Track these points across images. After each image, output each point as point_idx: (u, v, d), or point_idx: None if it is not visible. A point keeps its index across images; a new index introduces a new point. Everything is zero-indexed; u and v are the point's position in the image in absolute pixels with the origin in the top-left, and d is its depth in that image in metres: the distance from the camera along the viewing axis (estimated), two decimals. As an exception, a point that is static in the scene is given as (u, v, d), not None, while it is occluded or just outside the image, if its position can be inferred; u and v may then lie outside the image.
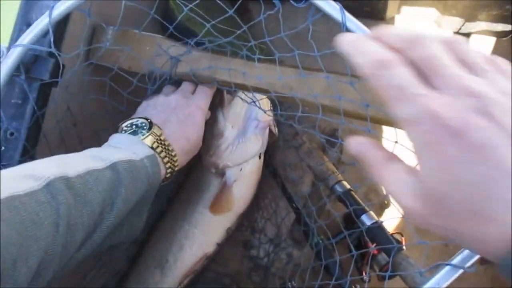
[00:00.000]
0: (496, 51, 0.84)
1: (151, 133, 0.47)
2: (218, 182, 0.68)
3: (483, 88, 0.22)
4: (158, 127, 0.49)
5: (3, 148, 0.47)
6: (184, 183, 0.73)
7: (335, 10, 0.38)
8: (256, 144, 0.66)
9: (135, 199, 0.42)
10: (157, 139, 0.47)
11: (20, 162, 0.48)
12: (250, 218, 0.76)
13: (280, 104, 0.60)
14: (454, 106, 0.21)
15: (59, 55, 0.46)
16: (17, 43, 0.44)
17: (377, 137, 0.80)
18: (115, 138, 0.48)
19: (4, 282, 0.29)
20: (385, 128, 0.68)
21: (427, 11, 0.79)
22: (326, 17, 0.39)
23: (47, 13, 0.43)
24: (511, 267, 0.21)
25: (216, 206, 0.68)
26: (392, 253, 0.47)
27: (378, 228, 0.55)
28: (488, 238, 0.21)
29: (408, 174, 0.25)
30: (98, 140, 0.60)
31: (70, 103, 0.54)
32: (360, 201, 0.61)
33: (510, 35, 0.79)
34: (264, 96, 0.60)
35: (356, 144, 0.28)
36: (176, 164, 0.49)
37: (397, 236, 0.64)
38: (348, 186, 0.63)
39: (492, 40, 0.84)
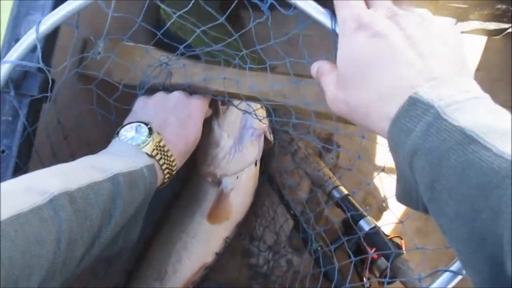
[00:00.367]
0: (489, 49, 0.84)
1: (151, 140, 0.47)
2: (215, 191, 0.68)
3: (396, 8, 0.33)
4: (158, 132, 0.48)
5: (-6, 166, 0.47)
6: (181, 193, 0.72)
7: (324, 16, 0.37)
8: (252, 151, 0.66)
9: (132, 210, 0.42)
10: (156, 146, 0.47)
11: (12, 179, 0.47)
12: (248, 226, 0.76)
13: (274, 111, 0.59)
14: (372, 13, 0.32)
15: (48, 70, 0.46)
16: (5, 59, 0.43)
17: (371, 141, 0.80)
18: (115, 145, 0.47)
19: None
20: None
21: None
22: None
23: (34, 28, 0.42)
24: (393, 139, 0.29)
25: (213, 215, 0.68)
26: (390, 259, 0.47)
27: (376, 233, 0.54)
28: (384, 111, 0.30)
29: (334, 72, 0.35)
30: (89, 151, 0.59)
31: (60, 116, 0.53)
32: (358, 206, 0.60)
33: (502, 34, 0.79)
34: (259, 105, 0.60)
35: (314, 67, 0.38)
36: (174, 168, 0.49)
37: (397, 240, 0.63)
38: (345, 192, 0.63)
39: (485, 39, 0.84)
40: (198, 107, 0.54)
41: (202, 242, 0.68)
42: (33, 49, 0.45)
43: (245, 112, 0.57)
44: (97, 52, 0.56)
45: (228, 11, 0.47)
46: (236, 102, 0.60)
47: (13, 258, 0.29)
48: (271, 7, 0.39)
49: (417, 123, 0.27)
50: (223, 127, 0.64)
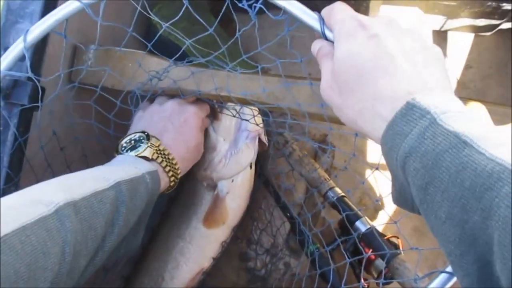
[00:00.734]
0: (479, 46, 0.84)
1: (150, 145, 0.48)
2: (210, 196, 0.68)
3: (391, 19, 0.34)
4: (156, 138, 0.49)
5: (-14, 177, 0.46)
6: (176, 198, 0.72)
7: (313, 20, 0.37)
8: (248, 154, 0.66)
9: (135, 218, 0.42)
10: (156, 150, 0.48)
11: (4, 190, 0.47)
12: (245, 230, 0.75)
13: (270, 112, 0.59)
14: (370, 18, 0.34)
15: (37, 80, 0.45)
16: (-7, 69, 0.43)
17: (365, 141, 0.80)
18: (116, 158, 0.48)
19: None
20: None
21: (409, 11, 0.79)
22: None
23: (21, 38, 0.42)
24: (387, 144, 0.30)
25: (209, 220, 0.67)
26: (385, 260, 0.46)
27: (372, 233, 0.54)
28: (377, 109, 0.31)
29: (332, 60, 0.35)
30: (86, 163, 0.59)
31: (56, 127, 0.53)
32: (354, 206, 0.60)
33: (493, 31, 0.79)
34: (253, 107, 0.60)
35: (315, 45, 0.38)
36: (178, 172, 0.50)
37: (394, 240, 0.63)
38: (341, 192, 0.63)
39: (476, 36, 0.84)
40: (193, 113, 0.54)
41: (199, 247, 0.68)
42: (22, 58, 0.44)
43: (237, 116, 0.56)
44: (87, 59, 0.56)
45: (219, 16, 0.46)
46: (229, 106, 0.60)
47: (19, 271, 0.29)
48: (261, 9, 0.39)
49: (414, 127, 0.28)
50: (218, 131, 0.64)
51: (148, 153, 0.47)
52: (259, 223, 0.75)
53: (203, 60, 0.50)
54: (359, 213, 0.57)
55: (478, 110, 0.45)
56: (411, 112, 0.28)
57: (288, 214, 0.68)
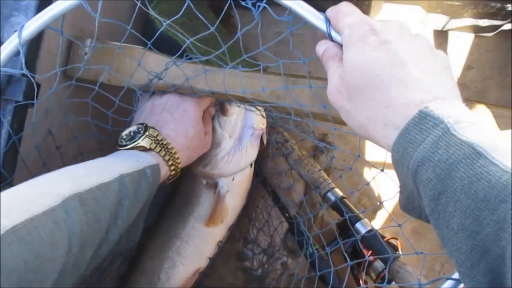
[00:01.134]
0: (480, 47, 0.84)
1: (148, 135, 0.48)
2: (209, 195, 0.67)
3: (402, 24, 0.34)
4: (154, 128, 0.50)
5: (-22, 175, 0.45)
6: (173, 197, 0.71)
7: (319, 21, 0.36)
8: (251, 152, 0.65)
9: (136, 211, 0.43)
10: (154, 139, 0.48)
11: (-3, 189, 0.45)
12: (242, 229, 0.75)
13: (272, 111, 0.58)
14: (381, 23, 0.33)
15: (32, 76, 0.44)
16: (-14, 65, 0.42)
17: (363, 141, 0.80)
18: (117, 152, 0.48)
19: None
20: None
21: (411, 10, 0.78)
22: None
23: (16, 34, 0.40)
24: (399, 152, 0.29)
25: (211, 219, 0.67)
26: (389, 263, 0.46)
27: (372, 236, 0.54)
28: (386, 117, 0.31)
29: (341, 63, 0.35)
30: (83, 161, 0.58)
31: (51, 126, 0.52)
32: (354, 208, 0.60)
33: (495, 31, 0.78)
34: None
35: (320, 46, 0.37)
36: (178, 161, 0.50)
37: (392, 241, 0.63)
38: (340, 193, 0.62)
39: (477, 37, 0.83)
40: (193, 104, 0.54)
41: (195, 247, 0.67)
42: (16, 54, 0.43)
43: (247, 109, 0.56)
44: (83, 54, 0.54)
45: (221, 15, 0.45)
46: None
47: (28, 262, 0.29)
48: (263, 6, 0.38)
49: (427, 136, 0.27)
50: (224, 127, 0.63)
51: (146, 143, 0.48)
52: (256, 222, 0.74)
53: (203, 59, 0.49)
54: (360, 215, 0.57)
55: (482, 115, 0.44)
56: (424, 121, 0.28)
57: (287, 214, 0.67)
